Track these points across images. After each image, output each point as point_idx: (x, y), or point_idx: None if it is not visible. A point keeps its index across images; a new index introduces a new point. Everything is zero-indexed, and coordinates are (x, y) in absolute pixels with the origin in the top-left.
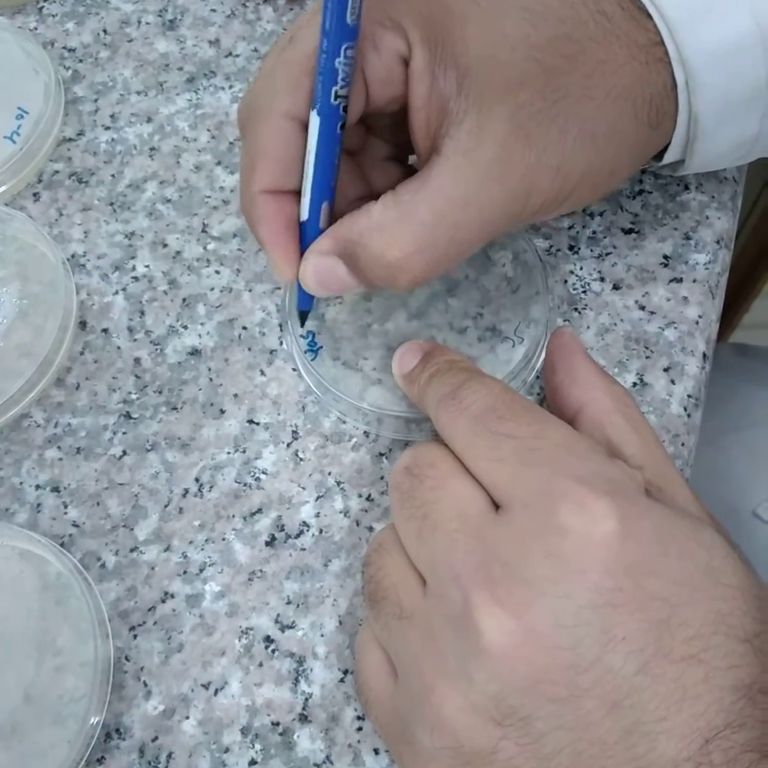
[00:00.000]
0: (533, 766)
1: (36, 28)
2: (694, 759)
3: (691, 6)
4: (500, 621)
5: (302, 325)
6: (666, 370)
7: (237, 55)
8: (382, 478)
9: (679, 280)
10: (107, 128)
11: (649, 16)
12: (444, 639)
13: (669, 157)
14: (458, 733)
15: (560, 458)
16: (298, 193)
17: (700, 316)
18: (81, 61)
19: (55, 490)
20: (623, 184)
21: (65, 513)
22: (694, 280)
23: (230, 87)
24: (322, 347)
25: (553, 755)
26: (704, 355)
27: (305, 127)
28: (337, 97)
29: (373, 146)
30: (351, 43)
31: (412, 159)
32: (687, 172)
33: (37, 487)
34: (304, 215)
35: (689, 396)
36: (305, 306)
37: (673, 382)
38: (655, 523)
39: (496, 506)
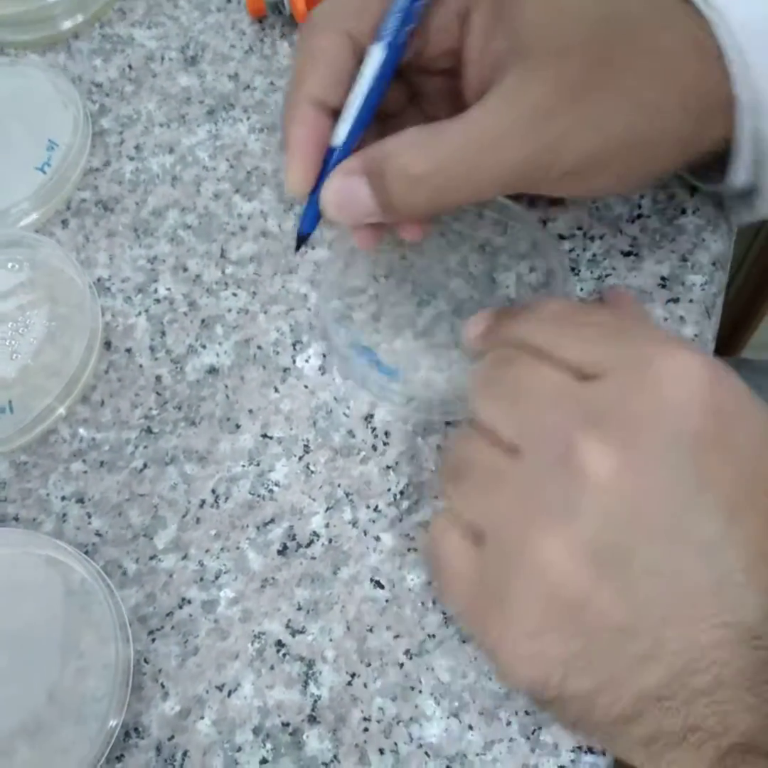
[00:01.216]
0: (624, 616)
1: (65, 65)
2: None
3: (757, 23)
4: (604, 452)
5: (298, 248)
6: None
7: (254, 89)
8: (389, 489)
9: (676, 301)
10: (132, 158)
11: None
12: (543, 487)
13: (734, 178)
14: (555, 577)
15: (644, 333)
16: (335, 115)
17: (696, 335)
18: (107, 95)
19: (80, 501)
20: (658, 180)
21: (89, 523)
22: (691, 301)
23: (248, 119)
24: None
25: (645, 604)
26: None
27: (359, 52)
28: (405, 36)
29: (411, 115)
30: None
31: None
32: (763, 214)
33: (63, 498)
34: (340, 138)
35: None
36: (308, 229)
37: None
38: (735, 381)
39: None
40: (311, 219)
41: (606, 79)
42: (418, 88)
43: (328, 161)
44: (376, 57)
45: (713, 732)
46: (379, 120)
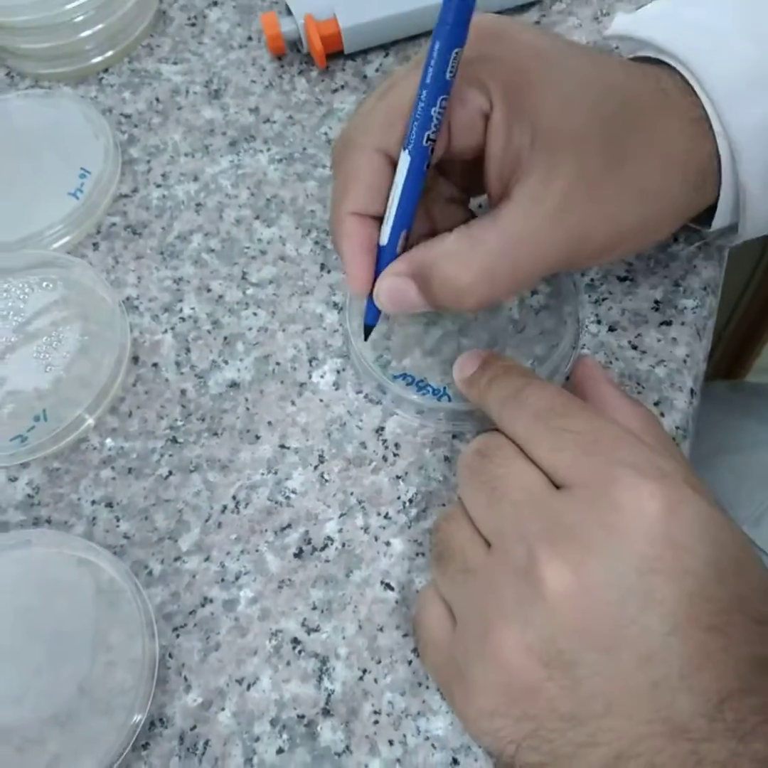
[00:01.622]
0: (570, 707)
1: (96, 97)
2: (709, 715)
3: (732, 86)
4: (560, 572)
5: (366, 338)
6: (656, 404)
7: (274, 122)
8: (398, 498)
9: (669, 323)
10: (159, 186)
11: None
12: (506, 588)
13: (717, 223)
14: (510, 670)
15: (616, 448)
16: (379, 220)
17: (688, 356)
18: (136, 126)
19: (109, 505)
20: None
21: (117, 526)
22: (683, 323)
23: (268, 150)
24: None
25: (588, 700)
26: (692, 391)
27: (393, 162)
28: (428, 140)
29: (441, 187)
30: (446, 95)
31: (473, 203)
32: (742, 240)
33: (93, 502)
34: (384, 240)
35: (678, 428)
36: (372, 321)
37: (662, 414)
38: (694, 510)
39: (556, 488)
40: (373, 311)
41: (617, 172)
42: (445, 167)
43: (379, 259)
44: (403, 163)
45: None
46: (436, 200)
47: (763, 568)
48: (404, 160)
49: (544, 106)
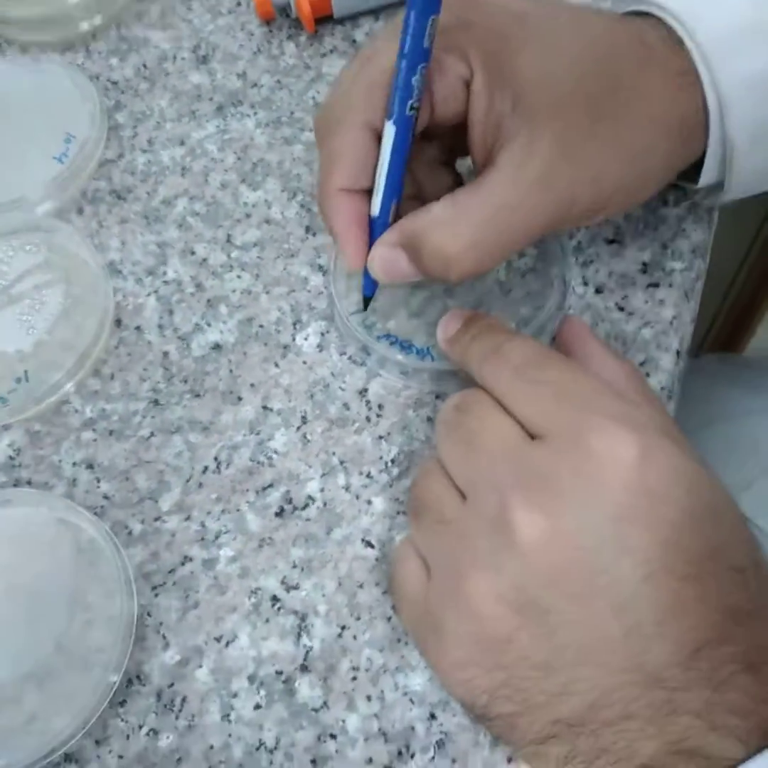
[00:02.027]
0: (543, 656)
1: (83, 64)
2: (684, 664)
3: (724, 38)
4: (533, 519)
5: (365, 308)
6: (642, 364)
7: (261, 86)
8: (380, 458)
9: (656, 285)
10: (144, 151)
11: (685, 45)
12: (479, 538)
13: (705, 179)
14: (483, 618)
15: (591, 399)
16: (368, 193)
17: (674, 317)
18: (123, 92)
19: (90, 467)
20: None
21: (98, 487)
22: (670, 285)
23: (255, 114)
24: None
25: (561, 648)
26: (678, 353)
27: (378, 135)
28: (411, 109)
29: (426, 149)
30: (425, 63)
31: (459, 165)
32: (730, 198)
33: (74, 464)
34: (375, 211)
35: (663, 388)
36: (369, 292)
37: (648, 375)
38: (669, 458)
39: (533, 439)
40: (370, 283)
41: (601, 130)
42: (432, 131)
43: (372, 230)
44: (388, 135)
45: (620, 756)
46: (425, 164)
47: (740, 517)
48: (389, 132)
49: (524, 70)
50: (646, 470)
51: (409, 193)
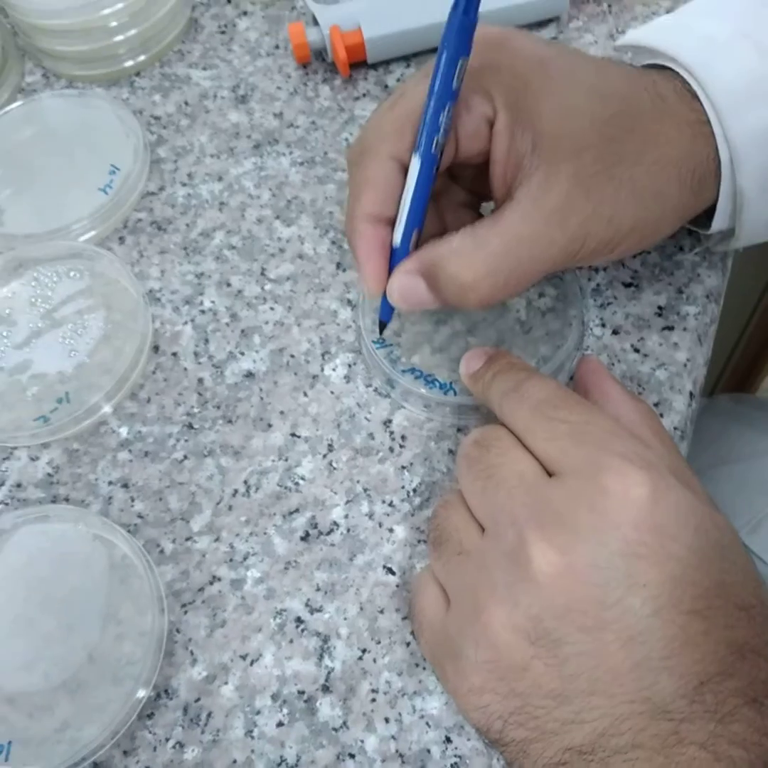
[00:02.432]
0: (556, 685)
1: (128, 99)
2: (689, 696)
3: (735, 92)
4: (547, 555)
5: (381, 333)
6: (656, 405)
7: (297, 127)
8: (403, 487)
9: (671, 328)
10: (184, 185)
11: (699, 99)
12: (497, 570)
13: (716, 226)
14: (499, 647)
15: (606, 439)
16: (391, 222)
17: (688, 360)
18: (165, 127)
19: (125, 486)
20: (665, 239)
21: (132, 506)
22: (685, 329)
23: (290, 153)
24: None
25: (573, 678)
26: (691, 394)
27: (404, 167)
28: (437, 145)
29: (453, 192)
30: (453, 103)
31: (483, 208)
32: (740, 245)
33: (110, 483)
34: (397, 240)
35: (676, 428)
36: (386, 318)
37: (662, 415)
38: (679, 498)
39: (550, 475)
40: (387, 309)
41: (617, 172)
42: (457, 173)
43: (393, 258)
44: (414, 168)
45: None
46: (431, 199)
47: (745, 555)
48: (415, 165)
49: (545, 112)
50: (656, 509)
51: (434, 232)
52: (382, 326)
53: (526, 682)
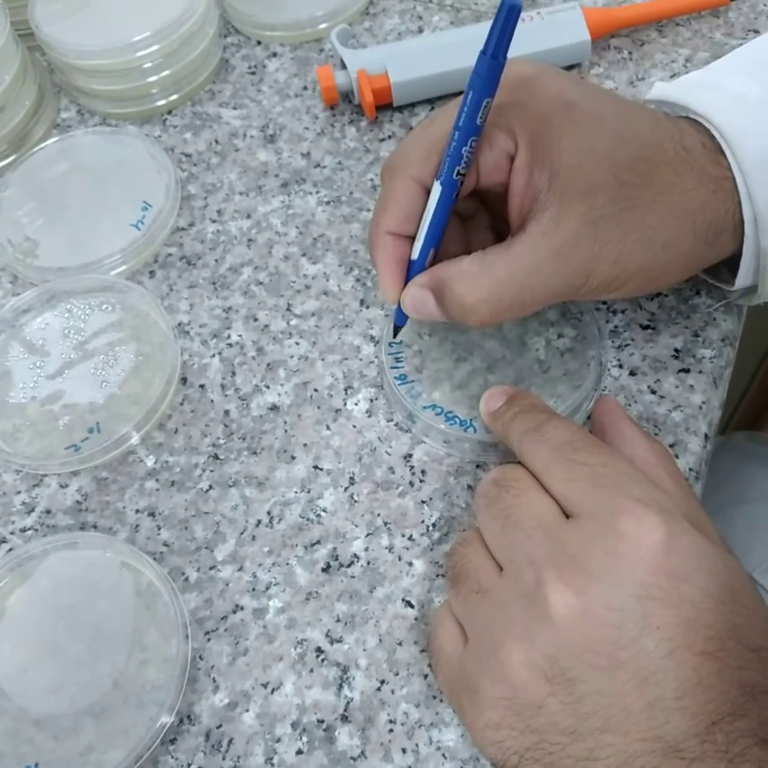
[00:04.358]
0: (571, 722)
1: (160, 136)
2: (701, 736)
3: (764, 154)
4: (564, 596)
5: (395, 335)
6: (672, 445)
7: (324, 167)
8: (422, 521)
9: (687, 371)
10: (214, 221)
11: (725, 155)
12: (515, 609)
13: (740, 283)
14: (516, 684)
15: (622, 483)
16: (411, 238)
17: (703, 403)
18: (195, 164)
19: (151, 514)
20: (677, 285)
21: (158, 534)
22: (700, 372)
23: (317, 192)
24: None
25: (588, 716)
26: (706, 436)
27: (427, 190)
28: (457, 174)
29: (481, 215)
30: (476, 137)
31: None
32: (763, 300)
33: (137, 511)
34: (415, 255)
35: (691, 469)
36: (400, 322)
37: (677, 456)
38: (692, 542)
39: (567, 516)
40: (401, 316)
41: (628, 216)
42: (486, 198)
43: (409, 271)
44: (435, 193)
45: None
46: (461, 220)
47: (758, 598)
48: (436, 190)
49: (563, 153)
50: (670, 553)
51: (458, 250)
52: (396, 330)
53: (542, 719)
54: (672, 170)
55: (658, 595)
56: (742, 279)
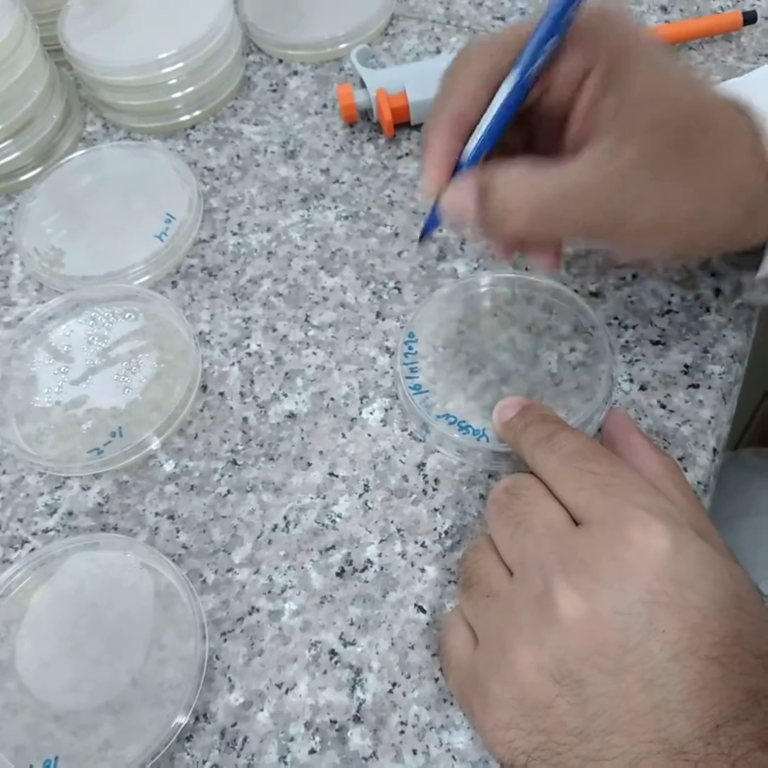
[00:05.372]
0: (578, 723)
1: (183, 150)
2: (705, 738)
3: None
4: (573, 600)
5: (420, 241)
6: (681, 459)
7: (343, 183)
8: (435, 529)
9: (697, 386)
10: (235, 234)
11: None
12: (524, 613)
13: (763, 271)
14: (524, 685)
15: (630, 492)
16: (467, 134)
17: (712, 417)
18: (217, 179)
19: (171, 517)
20: (697, 262)
21: (177, 537)
22: (709, 387)
23: (336, 207)
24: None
25: (595, 717)
26: (714, 450)
27: (494, 88)
28: (533, 69)
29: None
30: (560, 36)
31: None
32: None
33: (157, 514)
34: (466, 155)
35: (699, 483)
36: (431, 226)
37: (686, 469)
38: (698, 551)
39: (576, 524)
40: (433, 223)
41: (679, 161)
42: (534, 131)
43: (457, 168)
44: (504, 89)
45: None
46: (504, 155)
47: (762, 606)
48: (505, 87)
49: (637, 85)
50: (676, 560)
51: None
52: (423, 236)
53: (550, 720)
54: (728, 135)
55: (664, 600)
56: (766, 267)
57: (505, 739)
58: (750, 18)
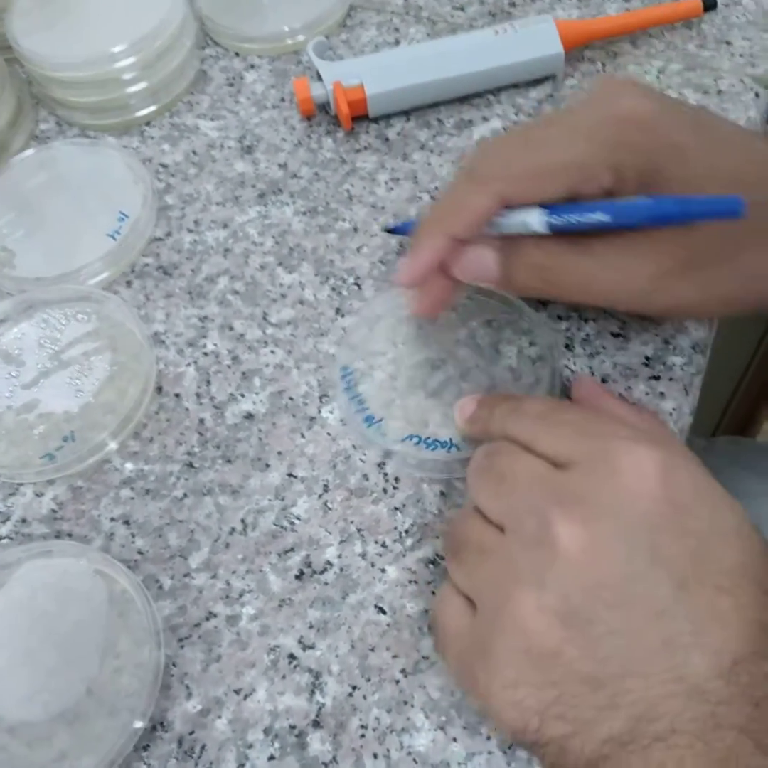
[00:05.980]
0: (589, 669)
1: (137, 147)
2: (725, 677)
3: None
4: (572, 530)
5: (388, 232)
6: None
7: (301, 178)
8: (395, 528)
9: (658, 378)
10: (191, 231)
11: None
12: (521, 558)
13: None
14: (529, 633)
15: (610, 428)
16: (464, 242)
17: (674, 409)
18: (173, 175)
19: (126, 522)
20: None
21: (133, 542)
22: (671, 379)
23: (293, 203)
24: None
25: (606, 660)
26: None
27: (504, 205)
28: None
29: None
30: (598, 220)
31: None
32: None
33: (112, 519)
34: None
35: None
36: (401, 230)
37: None
38: (690, 473)
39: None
40: (408, 226)
41: (725, 253)
42: None
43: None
44: (531, 218)
45: None
46: None
47: (763, 539)
48: (533, 217)
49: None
50: (669, 482)
51: None
52: (390, 231)
53: (560, 669)
54: None
55: (663, 524)
56: None
57: (515, 698)
58: (710, 4)
